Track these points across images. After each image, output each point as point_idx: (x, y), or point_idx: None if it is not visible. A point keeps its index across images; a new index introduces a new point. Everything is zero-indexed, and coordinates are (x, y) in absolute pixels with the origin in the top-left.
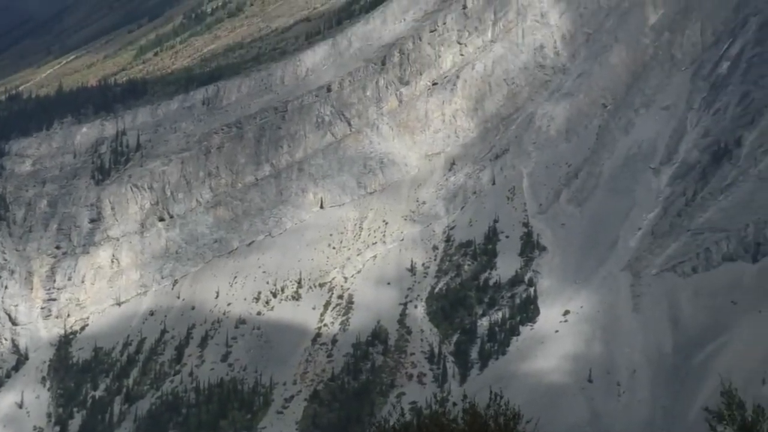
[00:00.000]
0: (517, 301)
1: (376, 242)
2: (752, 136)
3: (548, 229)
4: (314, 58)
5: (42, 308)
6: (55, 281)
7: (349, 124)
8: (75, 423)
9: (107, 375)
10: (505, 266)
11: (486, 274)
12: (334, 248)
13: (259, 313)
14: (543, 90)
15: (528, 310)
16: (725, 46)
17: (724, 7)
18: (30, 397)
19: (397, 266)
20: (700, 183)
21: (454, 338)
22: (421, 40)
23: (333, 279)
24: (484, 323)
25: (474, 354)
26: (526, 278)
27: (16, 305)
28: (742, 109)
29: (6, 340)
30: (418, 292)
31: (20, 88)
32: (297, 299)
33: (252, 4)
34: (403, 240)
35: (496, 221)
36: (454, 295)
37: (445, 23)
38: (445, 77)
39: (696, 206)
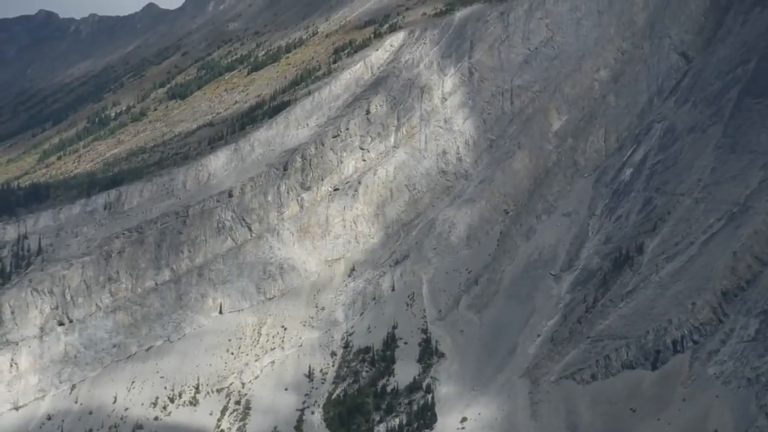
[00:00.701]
0: (415, 407)
1: (274, 348)
2: (654, 243)
3: (447, 336)
4: (216, 163)
5: None
6: None
7: (250, 230)
8: None
9: None
10: (404, 373)
11: (384, 381)
12: (232, 354)
13: (156, 418)
14: (445, 196)
15: (425, 417)
16: (629, 153)
17: (629, 113)
18: None
19: (295, 372)
20: (601, 290)
21: None
22: (323, 145)
23: (231, 384)
24: (381, 430)
25: None
26: (424, 385)
27: None
28: (644, 215)
29: None
30: (315, 398)
31: None
32: (194, 404)
33: (155, 109)
34: (301, 346)
35: (395, 327)
36: (351, 402)
37: (348, 129)
38: (347, 183)
39: (596, 313)
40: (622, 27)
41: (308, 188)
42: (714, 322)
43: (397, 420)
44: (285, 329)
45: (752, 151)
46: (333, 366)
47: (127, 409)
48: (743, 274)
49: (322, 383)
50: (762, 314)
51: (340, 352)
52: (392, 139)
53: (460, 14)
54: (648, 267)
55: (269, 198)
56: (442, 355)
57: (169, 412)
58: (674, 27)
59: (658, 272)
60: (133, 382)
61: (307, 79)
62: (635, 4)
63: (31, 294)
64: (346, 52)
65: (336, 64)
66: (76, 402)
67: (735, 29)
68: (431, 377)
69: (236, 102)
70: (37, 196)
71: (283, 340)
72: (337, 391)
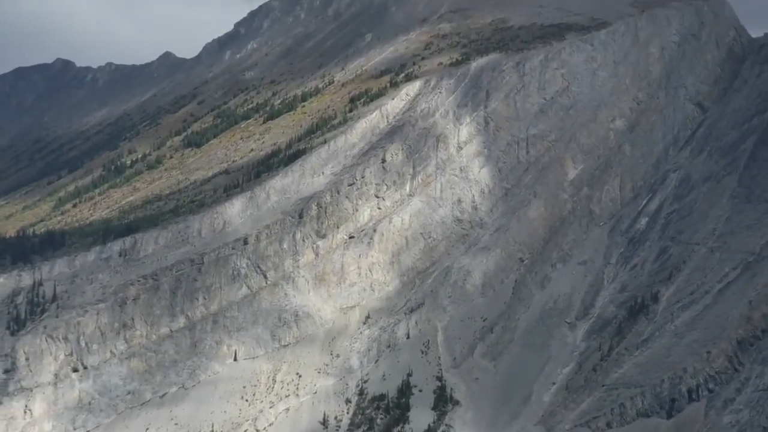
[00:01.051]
0: None
1: (289, 395)
2: (669, 292)
3: (462, 384)
4: (232, 211)
5: None
6: None
7: (265, 277)
8: None
9: None
10: (418, 420)
11: (399, 428)
12: (247, 401)
13: None
14: (460, 244)
15: None
16: (644, 202)
17: (644, 162)
18: None
19: (309, 419)
20: (616, 338)
21: None
22: (339, 193)
23: (245, 431)
24: None
25: None
26: None
27: None
28: (659, 264)
29: None
30: None
31: None
32: None
33: (171, 157)
34: (316, 393)
35: (410, 375)
36: None
37: (363, 177)
38: (362, 231)
39: (611, 361)
40: (638, 77)
41: (323, 236)
42: (729, 371)
43: None
44: (300, 376)
45: (767, 201)
46: (348, 413)
47: None
48: (758, 323)
49: (337, 430)
50: None
51: (354, 399)
52: (408, 188)
53: (475, 64)
54: (663, 316)
55: (284, 246)
56: (457, 403)
57: None
58: (690, 77)
59: (673, 321)
60: (147, 429)
61: (322, 128)
62: (651, 55)
63: (46, 340)
64: (362, 101)
65: (352, 113)
66: None
67: (750, 80)
68: (446, 425)
69: (252, 150)
70: (53, 243)
71: (297, 387)
72: None
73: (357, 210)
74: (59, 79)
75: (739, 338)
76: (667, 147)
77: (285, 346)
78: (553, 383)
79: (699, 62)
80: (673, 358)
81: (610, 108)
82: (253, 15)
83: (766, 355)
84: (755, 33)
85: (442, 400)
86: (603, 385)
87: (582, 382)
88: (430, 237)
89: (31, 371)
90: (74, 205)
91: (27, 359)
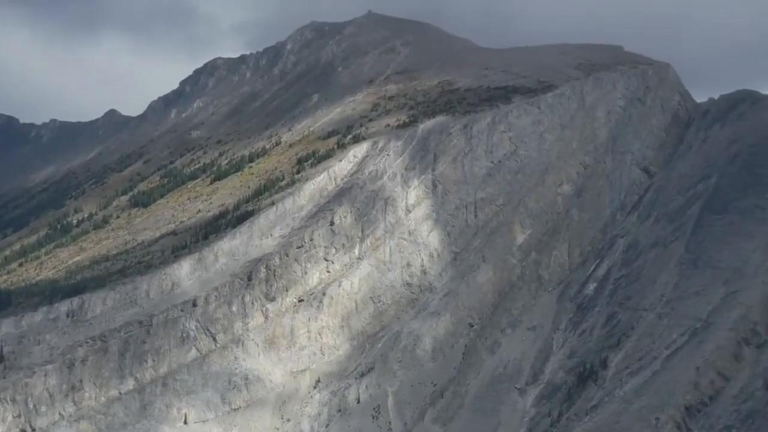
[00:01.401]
0: None
1: None
2: (618, 358)
3: None
4: (180, 273)
5: None
6: None
7: (215, 340)
8: None
9: None
10: None
11: None
12: None
13: None
14: (410, 308)
15: None
16: (592, 267)
17: (592, 227)
18: None
19: None
20: (566, 404)
21: None
22: (288, 256)
23: None
24: None
25: None
26: None
27: None
28: (608, 330)
29: None
30: None
31: None
32: None
33: (118, 217)
34: None
35: None
36: None
37: (312, 240)
38: (312, 294)
39: (561, 427)
40: (585, 141)
41: (273, 299)
42: None
43: None
44: None
45: (714, 267)
46: None
47: None
48: (706, 390)
49: None
50: (725, 430)
51: None
52: (357, 251)
53: (423, 126)
54: (612, 382)
55: (234, 308)
56: None
57: None
58: (636, 142)
59: (622, 387)
60: None
61: (270, 189)
62: (597, 119)
63: None
64: (309, 162)
65: (299, 175)
66: None
67: (695, 145)
68: None
69: (199, 211)
70: None
71: None
72: None
73: (306, 273)
74: (2, 135)
75: (687, 404)
76: (614, 212)
77: (235, 409)
78: None
79: (645, 127)
80: (622, 424)
81: (558, 172)
82: (198, 73)
83: (713, 421)
84: (699, 97)
85: None
86: None
87: None
88: (379, 301)
89: None
90: (20, 264)
91: None
